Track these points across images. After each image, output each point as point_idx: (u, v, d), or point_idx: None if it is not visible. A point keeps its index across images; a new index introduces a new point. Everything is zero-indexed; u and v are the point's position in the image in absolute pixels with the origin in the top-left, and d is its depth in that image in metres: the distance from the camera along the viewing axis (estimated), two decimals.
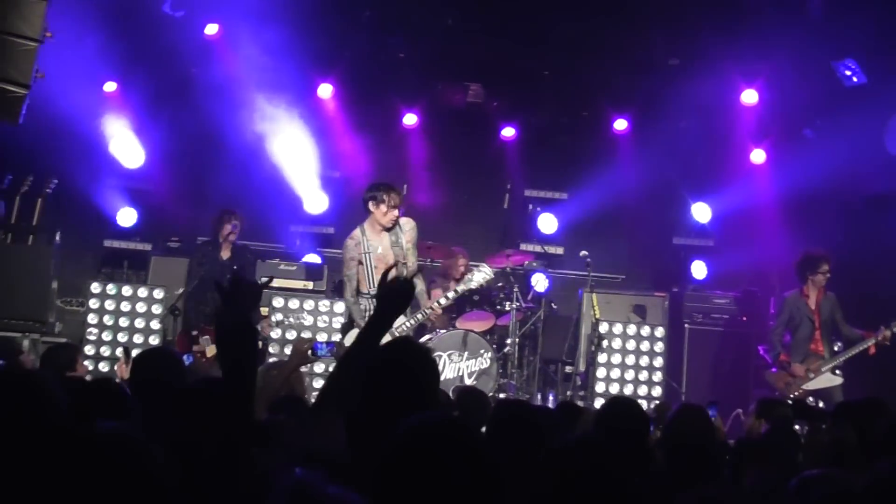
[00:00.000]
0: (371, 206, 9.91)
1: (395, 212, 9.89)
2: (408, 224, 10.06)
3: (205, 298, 11.25)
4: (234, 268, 11.09)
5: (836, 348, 11.62)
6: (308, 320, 11.76)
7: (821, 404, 11.96)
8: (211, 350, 10.85)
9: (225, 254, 11.33)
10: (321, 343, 9.38)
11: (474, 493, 2.65)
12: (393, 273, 4.17)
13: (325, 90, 13.95)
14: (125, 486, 2.61)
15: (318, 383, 11.74)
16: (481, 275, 10.13)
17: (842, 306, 11.45)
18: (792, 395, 11.02)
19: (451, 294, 10.27)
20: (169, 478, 2.73)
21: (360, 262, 9.98)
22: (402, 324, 9.68)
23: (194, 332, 11.04)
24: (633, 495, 3.40)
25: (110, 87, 13.07)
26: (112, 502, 2.60)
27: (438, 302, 10.22)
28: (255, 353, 3.80)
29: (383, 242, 9.94)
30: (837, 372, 11.37)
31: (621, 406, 5.53)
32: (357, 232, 9.99)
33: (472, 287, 10.19)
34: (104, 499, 2.60)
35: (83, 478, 2.60)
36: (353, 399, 3.77)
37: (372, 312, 9.63)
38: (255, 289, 3.96)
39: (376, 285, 9.71)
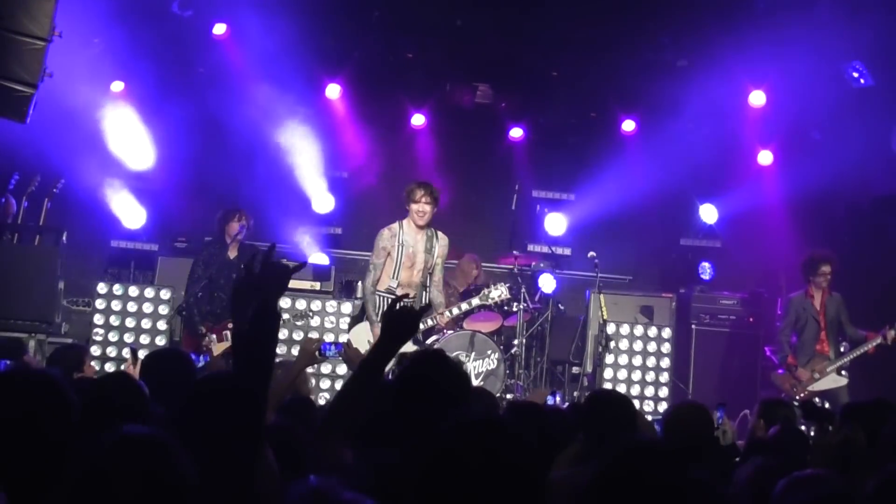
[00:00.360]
0: (407, 202, 10.11)
1: (421, 205, 10.01)
2: (444, 239, 10.28)
3: (211, 299, 11.21)
4: (241, 267, 10.97)
5: (842, 349, 11.64)
6: (315, 321, 11.77)
7: (826, 405, 12.00)
8: (218, 347, 10.83)
9: (232, 253, 11.22)
10: (329, 344, 9.40)
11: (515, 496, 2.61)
12: (401, 303, 4.14)
13: (334, 90, 13.94)
14: (158, 492, 2.62)
15: (326, 384, 11.75)
16: (498, 293, 10.39)
17: (848, 307, 11.46)
18: (798, 397, 11.03)
19: (464, 306, 10.44)
20: (196, 482, 2.72)
21: (390, 255, 10.07)
22: None
23: (202, 330, 11.00)
24: None
25: (118, 86, 13.02)
26: None
27: (450, 311, 10.32)
28: (275, 341, 3.79)
29: (418, 244, 10.07)
30: (843, 373, 11.38)
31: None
32: (396, 225, 10.17)
33: (488, 304, 10.22)
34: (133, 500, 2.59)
35: (114, 483, 2.59)
36: (359, 422, 3.83)
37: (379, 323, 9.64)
38: (285, 272, 3.88)
39: (399, 281, 9.82)
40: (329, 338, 11.31)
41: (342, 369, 11.66)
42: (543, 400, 5.84)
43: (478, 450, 2.62)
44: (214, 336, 10.88)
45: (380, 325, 8.39)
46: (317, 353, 6.20)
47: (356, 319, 10.62)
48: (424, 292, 9.93)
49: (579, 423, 5.46)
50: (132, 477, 2.60)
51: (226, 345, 10.76)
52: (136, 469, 2.61)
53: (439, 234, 10.21)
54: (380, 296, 10.07)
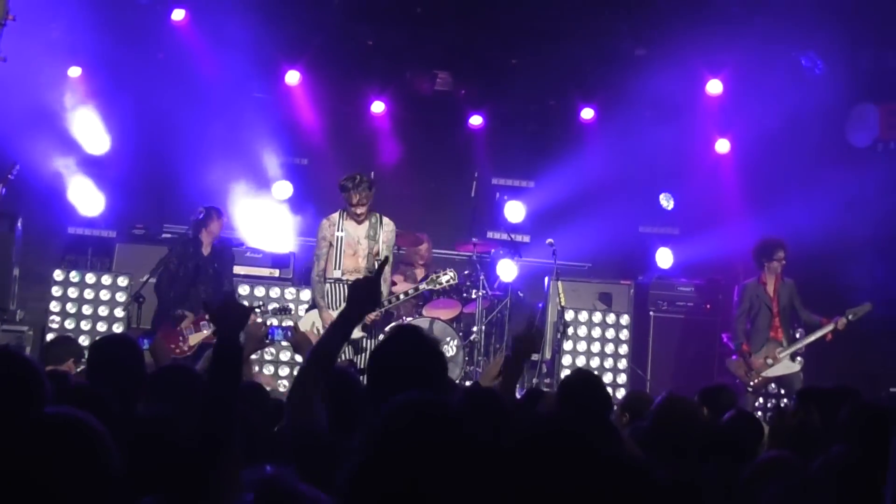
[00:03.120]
0: (344, 197, 10.08)
1: (361, 208, 10.02)
2: (388, 225, 10.21)
3: (187, 293, 11.03)
4: (216, 265, 11.04)
5: (797, 335, 11.70)
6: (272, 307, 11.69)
7: (782, 391, 12.09)
8: (195, 337, 10.72)
9: (206, 250, 11.13)
10: (277, 328, 9.34)
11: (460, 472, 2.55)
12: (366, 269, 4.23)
13: (293, 77, 13.87)
14: (72, 470, 2.59)
15: (285, 371, 11.68)
16: (447, 277, 10.32)
17: (801, 293, 11.55)
18: (752, 383, 11.11)
19: (410, 291, 10.41)
20: (118, 463, 2.70)
21: (332, 245, 10.07)
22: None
23: (178, 312, 10.82)
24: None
25: (75, 71, 12.93)
26: (58, 486, 2.58)
27: (397, 297, 10.26)
28: (239, 373, 3.75)
29: (359, 231, 10.04)
30: (798, 359, 11.43)
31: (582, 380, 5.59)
32: (336, 215, 10.14)
33: (436, 289, 10.22)
34: (50, 482, 2.58)
35: (29, 462, 2.58)
36: (324, 390, 3.87)
37: (335, 298, 9.59)
38: (243, 311, 3.87)
39: (343, 269, 9.73)
40: (277, 321, 11.23)
41: (285, 355, 11.68)
42: (498, 368, 5.78)
43: (414, 432, 2.56)
44: (192, 327, 10.77)
45: (330, 311, 8.41)
46: (265, 337, 6.15)
47: (310, 307, 10.59)
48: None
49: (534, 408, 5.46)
50: (49, 459, 2.60)
51: (202, 335, 10.67)
52: (54, 451, 2.61)
53: (384, 219, 10.17)
54: (330, 283, 10.13)
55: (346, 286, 9.56)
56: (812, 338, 11.38)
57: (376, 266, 9.84)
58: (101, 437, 2.69)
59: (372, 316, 9.58)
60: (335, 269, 10.08)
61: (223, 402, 3.61)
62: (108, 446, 2.69)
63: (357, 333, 9.44)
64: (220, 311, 3.82)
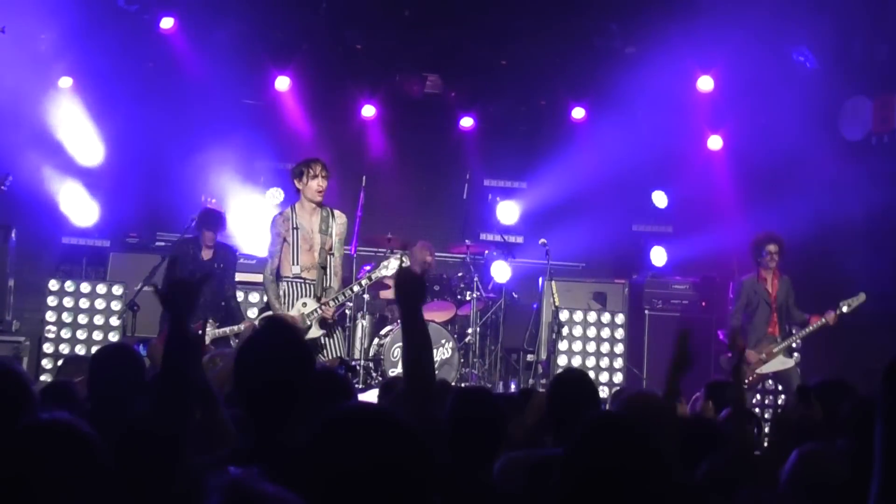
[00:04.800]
0: (297, 183, 9.64)
1: (321, 181, 9.55)
2: (340, 217, 9.74)
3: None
4: (216, 267, 10.92)
5: (793, 331, 11.78)
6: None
7: (779, 387, 12.15)
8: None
9: (206, 254, 11.01)
10: None
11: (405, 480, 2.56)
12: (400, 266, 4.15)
13: (283, 83, 13.96)
14: (64, 475, 2.68)
15: None
16: (397, 262, 9.67)
17: (798, 289, 11.61)
18: (747, 379, 11.16)
19: (364, 281, 9.86)
20: (110, 469, 2.80)
21: (286, 240, 9.63)
22: (313, 309, 9.37)
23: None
24: None
25: (66, 82, 13.02)
26: (51, 490, 2.66)
27: (351, 289, 9.82)
28: (191, 364, 3.79)
29: (313, 224, 9.63)
30: (795, 355, 11.51)
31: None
32: (288, 210, 9.76)
33: (388, 274, 9.78)
34: (43, 486, 2.66)
35: (23, 466, 2.67)
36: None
37: (293, 296, 9.27)
38: (190, 288, 3.86)
39: (301, 266, 9.46)
40: None
41: None
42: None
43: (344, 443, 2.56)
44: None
45: (282, 311, 8.01)
46: None
47: (266, 309, 10.27)
48: (324, 275, 9.50)
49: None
50: (42, 463, 2.68)
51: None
52: (47, 455, 2.69)
53: (336, 212, 9.74)
54: (288, 282, 9.60)
55: (308, 285, 9.44)
56: (804, 332, 11.38)
57: (329, 262, 9.61)
58: (93, 442, 2.78)
59: (329, 313, 9.37)
60: (293, 265, 9.59)
61: (177, 392, 3.62)
62: (99, 450, 2.78)
63: (315, 332, 9.32)
64: (169, 292, 3.80)
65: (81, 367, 8.24)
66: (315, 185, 9.52)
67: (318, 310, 9.32)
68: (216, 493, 2.36)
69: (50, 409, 3.55)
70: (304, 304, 9.34)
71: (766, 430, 7.17)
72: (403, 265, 9.09)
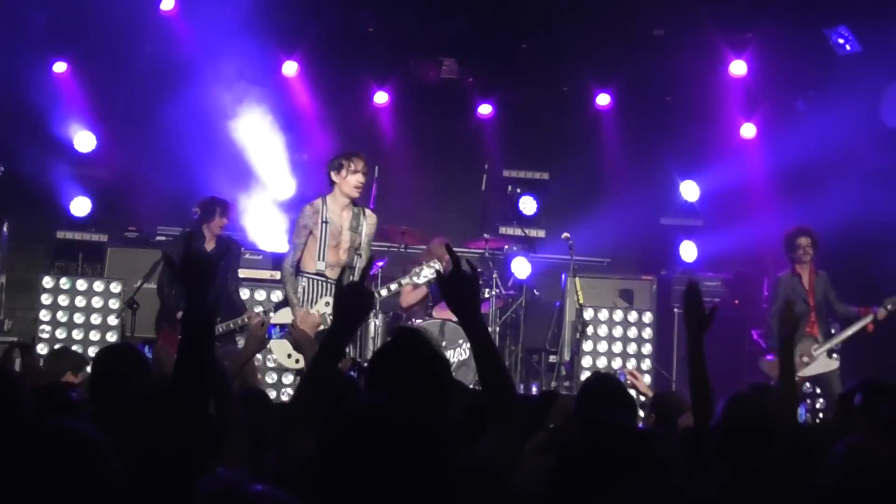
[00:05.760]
0: (335, 175, 9.65)
1: (361, 176, 9.61)
2: (371, 217, 9.84)
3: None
4: (222, 261, 10.80)
5: (832, 330, 11.66)
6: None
7: (817, 391, 12.03)
8: None
9: (209, 245, 10.82)
10: (274, 326, 9.20)
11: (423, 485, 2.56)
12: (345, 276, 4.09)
13: (290, 68, 13.90)
14: (76, 485, 2.63)
15: (288, 378, 11.69)
16: (430, 270, 9.79)
17: (836, 285, 11.56)
18: None
19: (393, 286, 9.93)
20: (122, 479, 2.74)
21: (312, 234, 9.65)
22: (321, 313, 9.41)
23: (179, 315, 10.80)
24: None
25: (60, 67, 12.97)
26: (63, 500, 2.62)
27: (379, 292, 9.89)
28: (210, 335, 3.83)
29: (343, 221, 9.68)
30: (834, 356, 11.42)
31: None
32: (318, 201, 9.75)
33: (420, 282, 9.89)
34: (55, 496, 2.62)
35: (33, 475, 2.62)
36: (323, 409, 3.74)
37: (313, 295, 9.26)
38: (208, 263, 3.85)
39: (326, 262, 9.41)
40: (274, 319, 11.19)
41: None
42: (261, 334, 5.72)
43: (362, 439, 2.56)
44: None
45: (303, 308, 8.15)
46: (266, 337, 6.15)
47: (283, 304, 10.22)
48: (351, 275, 9.42)
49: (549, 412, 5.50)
50: (52, 470, 2.64)
51: None
52: (56, 462, 2.65)
53: (367, 210, 9.86)
54: (309, 278, 9.64)
55: (329, 284, 9.45)
56: (850, 331, 11.30)
57: (356, 262, 9.65)
58: (100, 449, 2.73)
59: None
60: (318, 260, 9.60)
61: (196, 371, 3.63)
62: (107, 457, 2.72)
63: None
64: (185, 265, 3.77)
65: (68, 360, 8.20)
66: (355, 180, 9.57)
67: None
68: (206, 495, 2.41)
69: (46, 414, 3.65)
70: (328, 304, 9.27)
71: None
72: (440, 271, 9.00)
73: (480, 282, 9.61)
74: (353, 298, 3.83)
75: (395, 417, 2.61)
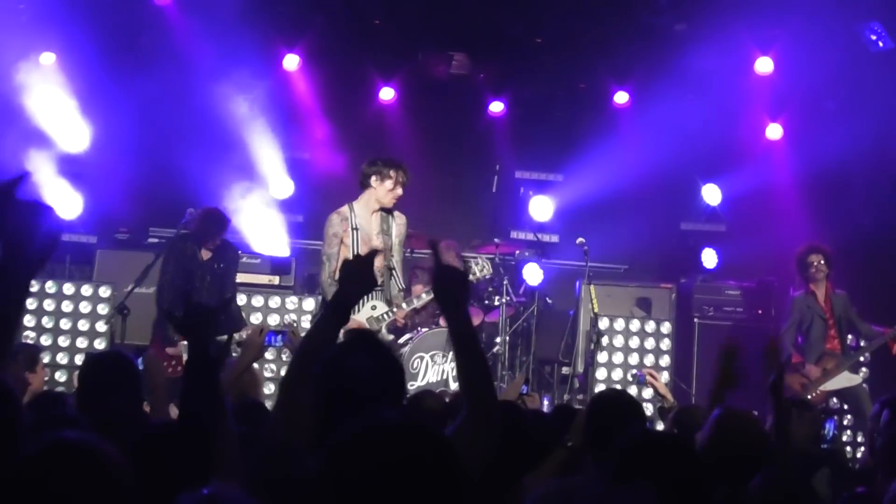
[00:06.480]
0: (374, 181, 9.77)
1: (400, 190, 9.83)
2: (401, 218, 10.00)
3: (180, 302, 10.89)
4: (216, 267, 10.91)
5: (859, 345, 11.82)
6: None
7: (845, 406, 12.03)
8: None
9: (205, 254, 10.98)
10: (273, 333, 9.19)
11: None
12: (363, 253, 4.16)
13: (292, 62, 13.86)
14: (92, 496, 2.69)
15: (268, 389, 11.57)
16: (479, 268, 10.09)
17: (864, 296, 11.74)
18: (810, 397, 11.08)
19: (424, 296, 10.05)
20: (132, 487, 2.80)
21: (343, 242, 9.79)
22: (384, 312, 9.64)
23: (176, 337, 10.66)
24: None
25: (48, 58, 12.87)
26: None
27: (405, 304, 9.98)
28: (214, 390, 3.85)
29: (372, 226, 9.86)
30: (863, 370, 11.37)
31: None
32: (345, 208, 9.90)
33: (418, 306, 10.06)
34: None
35: (45, 488, 2.67)
36: (312, 391, 3.85)
37: (364, 301, 9.44)
38: (210, 314, 3.92)
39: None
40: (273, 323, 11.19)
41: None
42: (518, 390, 5.77)
43: (369, 462, 2.52)
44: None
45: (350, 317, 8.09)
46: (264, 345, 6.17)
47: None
48: (391, 277, 9.77)
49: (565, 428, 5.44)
50: (61, 481, 2.68)
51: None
52: (67, 473, 2.69)
53: (395, 212, 10.03)
54: None
55: (372, 294, 9.55)
56: (871, 347, 11.51)
57: (392, 263, 9.85)
58: (113, 461, 2.78)
59: (402, 317, 9.63)
60: None
61: (199, 421, 3.70)
62: (118, 469, 2.77)
63: (384, 337, 9.47)
64: (186, 318, 3.85)
65: (27, 358, 8.08)
66: (395, 193, 9.83)
67: (389, 313, 9.63)
68: None
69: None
70: (374, 308, 9.62)
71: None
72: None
73: (472, 278, 9.85)
74: (354, 272, 4.04)
75: (418, 433, 2.60)
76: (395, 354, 4.02)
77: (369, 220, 9.84)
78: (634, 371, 12.18)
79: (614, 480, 3.42)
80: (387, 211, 9.90)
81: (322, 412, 3.74)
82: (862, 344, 11.81)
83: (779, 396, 5.46)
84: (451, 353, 10.82)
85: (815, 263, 11.41)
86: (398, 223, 9.94)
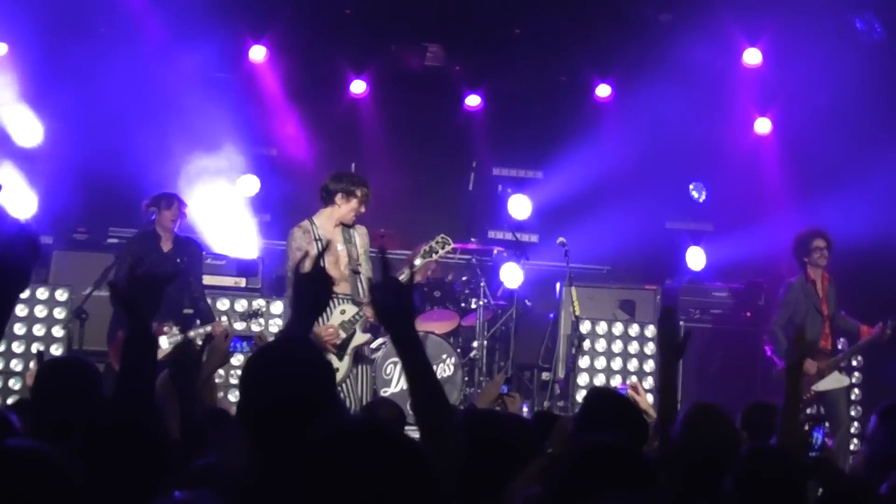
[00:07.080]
0: (339, 198, 9.74)
1: (364, 209, 9.84)
2: (362, 229, 10.00)
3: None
4: (179, 262, 10.85)
5: (839, 345, 11.74)
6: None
7: (821, 410, 11.92)
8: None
9: (166, 246, 10.97)
10: (240, 339, 9.09)
11: None
12: (309, 261, 4.04)
13: (258, 53, 13.85)
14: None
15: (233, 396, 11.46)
16: (443, 243, 9.89)
17: (854, 294, 11.75)
18: (804, 397, 10.90)
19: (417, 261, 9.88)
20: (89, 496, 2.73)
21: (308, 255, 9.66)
22: (355, 312, 9.56)
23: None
24: None
25: (1, 50, 12.86)
26: None
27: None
28: (152, 368, 3.89)
29: (335, 236, 9.81)
30: (855, 374, 11.40)
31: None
32: (306, 222, 9.84)
33: (433, 258, 9.90)
34: None
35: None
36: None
37: (324, 314, 9.45)
38: (155, 285, 3.89)
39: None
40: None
41: None
42: (499, 389, 5.68)
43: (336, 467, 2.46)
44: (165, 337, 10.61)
45: (319, 325, 8.10)
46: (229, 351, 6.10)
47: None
48: (358, 282, 9.69)
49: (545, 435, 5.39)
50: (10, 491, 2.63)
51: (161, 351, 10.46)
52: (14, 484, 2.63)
53: (356, 224, 10.00)
54: None
55: (340, 299, 9.63)
56: (860, 347, 11.51)
57: (361, 271, 9.77)
58: (67, 469, 2.70)
59: (369, 314, 9.49)
60: None
61: (138, 403, 3.68)
62: (74, 477, 2.70)
63: (361, 338, 9.52)
64: (128, 289, 3.81)
65: None
66: (359, 211, 9.84)
67: (360, 314, 9.57)
68: None
69: None
70: (343, 312, 9.56)
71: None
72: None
73: (436, 256, 9.80)
74: (312, 280, 3.97)
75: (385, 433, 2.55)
76: (316, 356, 3.75)
77: (332, 231, 9.80)
78: (617, 384, 12.13)
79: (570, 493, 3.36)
80: (347, 224, 9.91)
81: (252, 430, 3.58)
82: (841, 342, 11.74)
83: (795, 379, 5.45)
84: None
85: (821, 248, 11.26)
86: (360, 233, 9.94)
